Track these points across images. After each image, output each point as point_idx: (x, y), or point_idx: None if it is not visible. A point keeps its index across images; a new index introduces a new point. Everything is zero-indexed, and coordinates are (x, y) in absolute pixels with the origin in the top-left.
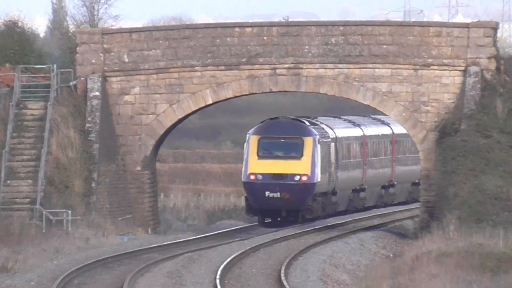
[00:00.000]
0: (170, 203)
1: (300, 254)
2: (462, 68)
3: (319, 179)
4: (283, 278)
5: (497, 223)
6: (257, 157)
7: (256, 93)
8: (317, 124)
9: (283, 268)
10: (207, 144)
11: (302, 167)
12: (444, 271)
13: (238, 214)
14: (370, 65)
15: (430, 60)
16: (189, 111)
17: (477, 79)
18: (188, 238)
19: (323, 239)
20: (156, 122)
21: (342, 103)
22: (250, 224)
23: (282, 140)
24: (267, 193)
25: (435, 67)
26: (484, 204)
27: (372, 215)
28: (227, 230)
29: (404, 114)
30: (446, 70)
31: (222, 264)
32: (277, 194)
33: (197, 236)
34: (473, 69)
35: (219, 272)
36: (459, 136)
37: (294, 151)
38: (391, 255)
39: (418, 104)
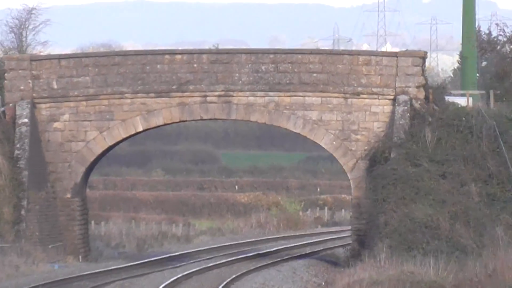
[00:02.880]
0: (101, 231)
1: (232, 282)
2: (391, 97)
3: None
4: None
5: (427, 251)
6: None
7: (186, 121)
8: None
9: None
10: (137, 171)
11: None
12: None
13: (169, 241)
14: (300, 93)
15: (359, 89)
16: (120, 138)
17: (406, 108)
18: (120, 266)
19: (256, 267)
20: (86, 149)
21: (273, 130)
22: (183, 252)
23: None
24: None
25: (365, 96)
26: (414, 233)
27: (304, 243)
28: (158, 257)
29: (334, 142)
30: (375, 98)
31: None
32: None
33: (129, 264)
34: (402, 98)
35: None
36: (389, 164)
37: None
38: (323, 283)
39: (348, 132)
